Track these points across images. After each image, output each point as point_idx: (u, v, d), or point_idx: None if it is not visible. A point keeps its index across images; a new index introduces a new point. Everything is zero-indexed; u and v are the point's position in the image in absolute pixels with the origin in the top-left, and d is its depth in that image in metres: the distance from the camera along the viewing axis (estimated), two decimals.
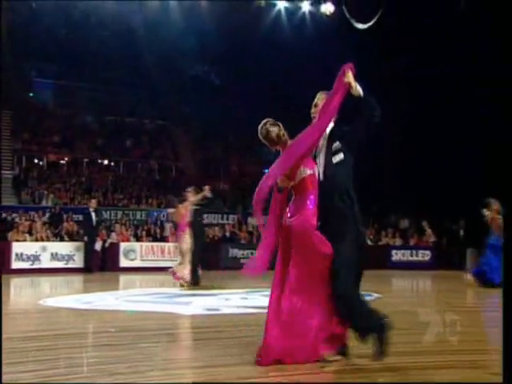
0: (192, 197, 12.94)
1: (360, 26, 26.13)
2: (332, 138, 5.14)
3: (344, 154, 5.08)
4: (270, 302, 5.12)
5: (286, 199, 5.28)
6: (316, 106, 5.28)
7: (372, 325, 4.92)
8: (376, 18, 25.73)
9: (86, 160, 27.23)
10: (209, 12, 26.29)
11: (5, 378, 4.13)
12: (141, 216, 22.96)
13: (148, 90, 30.97)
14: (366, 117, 5.03)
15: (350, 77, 4.96)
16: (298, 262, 5.02)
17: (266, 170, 20.26)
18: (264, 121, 5.34)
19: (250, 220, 24.75)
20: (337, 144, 5.10)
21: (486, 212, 14.36)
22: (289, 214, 5.13)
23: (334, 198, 5.02)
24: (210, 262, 19.29)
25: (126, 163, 28.35)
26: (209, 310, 9.24)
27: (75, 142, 27.59)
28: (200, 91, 31.43)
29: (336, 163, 5.08)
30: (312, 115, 5.32)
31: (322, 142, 5.20)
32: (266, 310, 5.13)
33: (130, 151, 29.02)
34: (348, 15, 26.38)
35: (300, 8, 27.12)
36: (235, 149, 31.81)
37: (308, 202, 5.06)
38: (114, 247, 19.54)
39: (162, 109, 31.34)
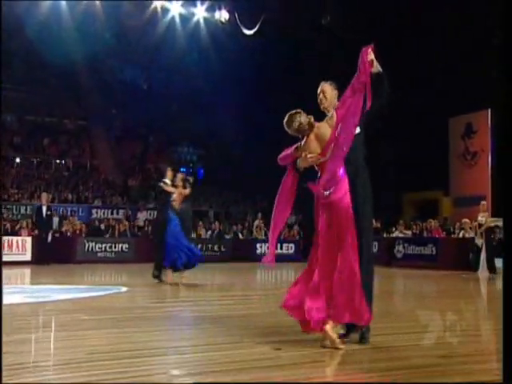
0: None
1: (247, 31, 27.60)
2: None
3: (360, 127, 5.47)
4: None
5: (297, 185, 5.64)
6: (324, 92, 5.61)
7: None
8: (259, 24, 27.19)
9: None
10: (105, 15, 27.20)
11: None
12: (25, 210, 24.43)
13: (72, 91, 32.54)
14: (378, 95, 5.41)
15: (372, 55, 5.37)
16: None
17: (182, 170, 22.08)
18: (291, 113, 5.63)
19: (139, 215, 26.32)
20: None
21: None
22: (324, 191, 5.34)
23: (353, 166, 5.47)
24: (65, 255, 20.64)
25: (40, 161, 29.97)
26: None
27: None
28: (127, 94, 32.94)
29: (355, 135, 5.41)
30: (321, 100, 5.69)
31: None
32: None
33: (47, 149, 30.70)
34: (238, 22, 27.83)
35: (194, 14, 28.25)
36: (154, 148, 33.50)
37: (341, 174, 5.37)
38: None
39: (84, 109, 33.00)
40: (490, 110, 24.16)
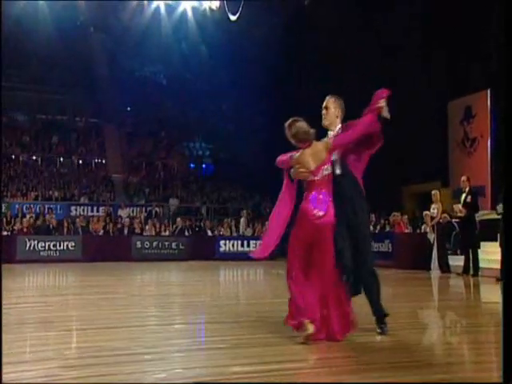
0: None
1: (232, 17, 26.38)
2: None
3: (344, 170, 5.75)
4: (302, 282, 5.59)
5: (295, 190, 5.80)
6: (327, 108, 5.83)
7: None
8: (240, 7, 25.88)
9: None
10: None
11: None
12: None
13: (86, 89, 32.38)
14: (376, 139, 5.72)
15: (383, 102, 5.62)
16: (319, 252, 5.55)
17: (192, 165, 21.51)
18: (291, 120, 5.71)
19: (120, 212, 25.50)
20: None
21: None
22: (314, 209, 5.51)
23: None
24: (5, 255, 19.45)
25: (43, 159, 29.86)
26: None
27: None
28: (146, 91, 32.41)
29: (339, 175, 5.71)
30: (323, 116, 5.90)
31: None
32: None
33: (54, 148, 30.55)
34: (226, 8, 26.67)
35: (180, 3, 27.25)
36: (165, 144, 32.67)
37: (331, 199, 5.58)
38: None
39: (96, 107, 32.74)
40: (489, 91, 21.59)
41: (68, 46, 29.96)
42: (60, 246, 20.97)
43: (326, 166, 5.53)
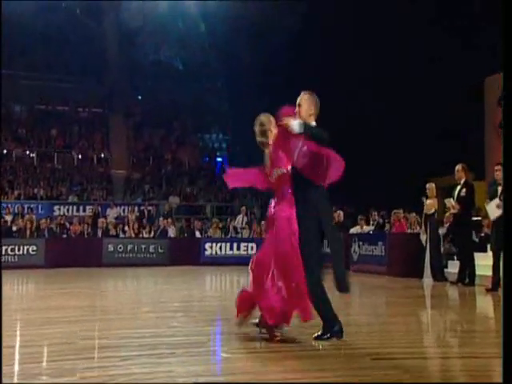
0: None
1: None
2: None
3: None
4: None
5: None
6: (300, 105, 5.45)
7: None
8: None
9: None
10: None
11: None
12: None
13: (93, 76, 30.08)
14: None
15: (284, 120, 5.27)
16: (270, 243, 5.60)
17: (206, 159, 18.04)
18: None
19: (109, 211, 22.92)
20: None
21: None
22: (272, 205, 5.67)
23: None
24: None
25: (42, 154, 27.44)
26: None
27: None
28: (160, 76, 29.99)
29: None
30: (296, 114, 5.43)
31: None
32: None
33: (52, 141, 28.13)
34: None
35: None
36: (177, 135, 29.90)
37: (285, 194, 5.58)
38: None
39: (102, 96, 30.27)
40: None
41: (72, 30, 28.04)
42: (19, 250, 18.20)
43: (277, 169, 5.67)
